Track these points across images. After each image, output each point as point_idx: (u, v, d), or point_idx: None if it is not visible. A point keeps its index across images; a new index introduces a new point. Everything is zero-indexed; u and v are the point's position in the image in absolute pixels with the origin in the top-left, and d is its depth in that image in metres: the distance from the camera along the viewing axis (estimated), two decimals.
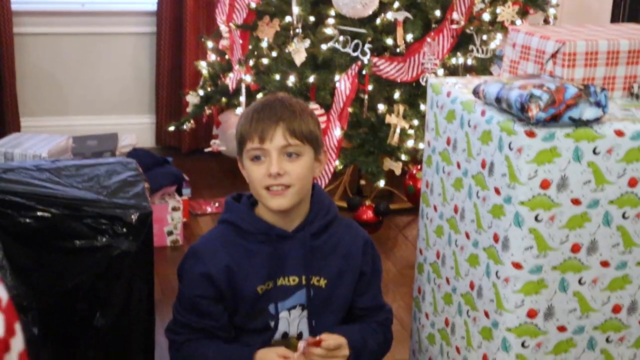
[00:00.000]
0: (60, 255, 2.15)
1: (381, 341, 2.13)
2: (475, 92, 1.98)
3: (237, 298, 2.01)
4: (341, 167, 3.73)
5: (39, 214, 2.12)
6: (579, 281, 1.93)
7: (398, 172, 3.70)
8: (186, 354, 2.06)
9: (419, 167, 3.85)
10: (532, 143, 1.81)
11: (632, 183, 1.88)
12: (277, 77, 3.75)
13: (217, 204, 3.94)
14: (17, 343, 0.99)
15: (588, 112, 1.79)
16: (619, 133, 1.84)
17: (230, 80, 3.93)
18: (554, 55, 2.01)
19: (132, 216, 2.17)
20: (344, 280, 2.08)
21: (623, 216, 1.90)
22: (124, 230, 2.16)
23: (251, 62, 3.85)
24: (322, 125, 3.55)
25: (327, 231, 2.06)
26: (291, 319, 2.05)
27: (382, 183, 3.66)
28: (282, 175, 1.95)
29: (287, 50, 3.69)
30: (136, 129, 4.72)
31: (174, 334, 2.08)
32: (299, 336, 2.07)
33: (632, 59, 2.04)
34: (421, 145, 3.65)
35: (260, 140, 1.96)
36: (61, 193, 2.18)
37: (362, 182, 4.00)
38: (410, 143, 3.70)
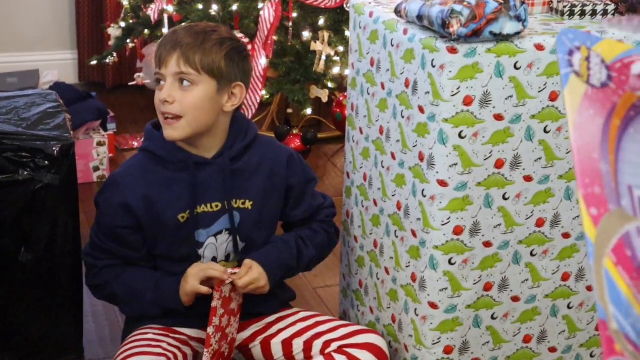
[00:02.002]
0: None
1: (322, 241, 2.18)
2: (397, 11, 1.97)
3: (158, 227, 2.01)
4: (268, 96, 3.71)
5: None
6: (503, 196, 1.95)
7: (325, 99, 3.70)
8: (107, 279, 2.05)
9: (346, 94, 3.84)
10: (454, 59, 1.81)
11: (553, 97, 1.90)
12: (200, 6, 3.69)
13: (143, 139, 3.89)
14: None
15: (509, 26, 1.80)
16: (539, 47, 1.85)
17: (152, 11, 3.86)
18: None
19: (54, 148, 2.13)
20: (271, 199, 2.09)
21: (545, 130, 1.92)
22: (46, 163, 2.12)
23: None
24: None
25: (248, 152, 2.06)
26: (218, 244, 2.05)
27: (309, 111, 3.65)
28: (171, 103, 1.94)
29: None
30: (58, 65, 4.61)
31: (93, 258, 2.07)
32: (227, 258, 2.08)
33: None
34: (347, 72, 3.64)
35: (158, 65, 1.96)
36: None
37: (290, 111, 3.98)
38: (336, 70, 3.69)
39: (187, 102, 1.94)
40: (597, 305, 0.77)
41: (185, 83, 1.94)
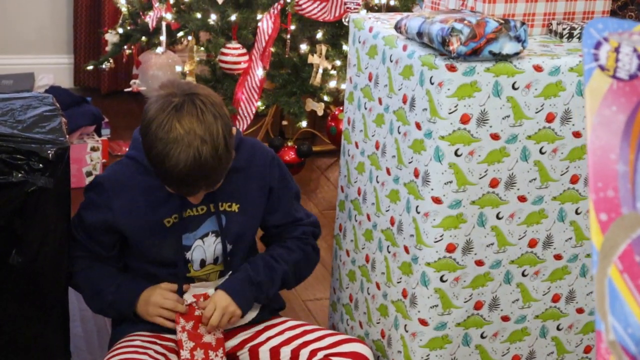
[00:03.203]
0: None
1: (298, 258, 2.17)
2: (397, 27, 1.98)
3: (143, 232, 2.04)
4: (263, 107, 3.71)
5: None
6: (497, 216, 1.96)
7: (320, 112, 3.70)
8: (76, 269, 2.13)
9: (341, 108, 3.84)
10: (452, 77, 1.82)
11: (550, 118, 1.91)
12: (199, 15, 3.69)
13: (129, 146, 3.88)
14: None
15: (508, 46, 1.80)
16: (538, 68, 1.86)
17: (150, 19, 3.86)
18: None
19: (49, 151, 2.12)
20: (256, 200, 2.12)
21: (540, 151, 1.93)
22: (40, 165, 2.11)
23: (172, 0, 3.77)
24: (244, 65, 3.51)
25: (235, 156, 2.06)
26: (206, 246, 2.07)
27: (304, 123, 3.65)
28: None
29: None
30: (53, 69, 4.61)
31: (69, 246, 2.13)
32: (215, 261, 2.09)
33: None
34: (343, 86, 3.65)
35: (182, 193, 1.99)
36: None
37: (285, 123, 3.99)
38: (332, 84, 3.69)
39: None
40: (595, 315, 0.75)
41: None
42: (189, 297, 2.05)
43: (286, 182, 2.18)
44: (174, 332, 2.08)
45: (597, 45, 0.75)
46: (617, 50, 0.74)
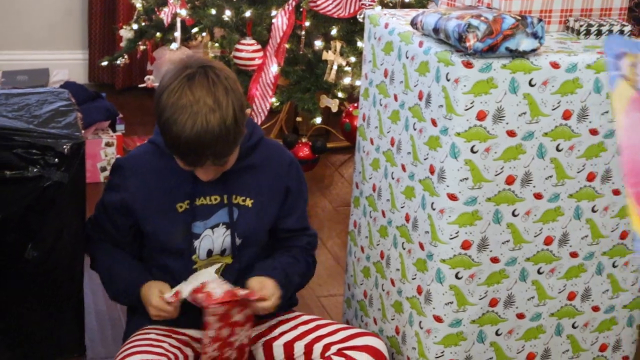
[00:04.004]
0: None
1: (303, 270, 2.17)
2: (413, 23, 1.97)
3: (156, 216, 2.05)
4: (277, 104, 3.70)
5: None
6: (513, 213, 1.95)
7: (335, 109, 3.70)
8: (97, 255, 2.17)
9: (355, 104, 3.84)
10: (469, 74, 1.81)
11: (567, 115, 1.90)
12: (213, 11, 3.69)
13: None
14: None
15: (525, 43, 1.80)
16: (555, 65, 1.85)
17: (165, 15, 3.86)
18: None
19: (65, 146, 2.13)
20: (271, 199, 2.11)
21: (557, 148, 1.92)
22: (56, 160, 2.12)
23: None
24: (258, 61, 3.51)
25: (253, 153, 2.07)
26: (215, 237, 2.07)
27: (318, 120, 3.65)
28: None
29: None
30: (68, 64, 4.61)
31: (92, 229, 2.19)
32: (222, 253, 2.09)
33: None
34: (358, 83, 3.65)
35: (189, 166, 1.97)
36: None
37: (299, 119, 3.98)
38: (347, 80, 3.68)
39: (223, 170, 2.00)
40: None
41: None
42: (186, 290, 2.00)
43: (302, 186, 2.18)
44: (187, 326, 2.07)
45: (618, 56, 0.78)
46: (634, 65, 0.78)
